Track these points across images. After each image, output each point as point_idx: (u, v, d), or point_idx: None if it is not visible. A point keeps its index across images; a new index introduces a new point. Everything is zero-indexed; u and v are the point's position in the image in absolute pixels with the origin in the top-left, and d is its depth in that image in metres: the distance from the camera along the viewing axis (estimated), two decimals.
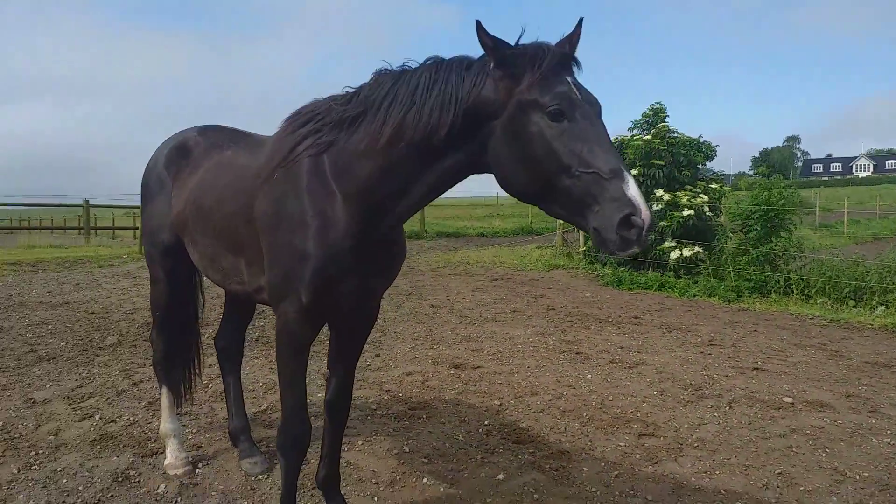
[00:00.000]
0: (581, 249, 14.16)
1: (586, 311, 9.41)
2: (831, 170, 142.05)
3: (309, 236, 2.66)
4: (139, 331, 7.62)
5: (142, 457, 4.18)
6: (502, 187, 2.46)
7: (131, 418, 4.83)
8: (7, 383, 5.59)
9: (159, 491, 3.74)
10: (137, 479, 3.88)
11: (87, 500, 3.61)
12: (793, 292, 10.74)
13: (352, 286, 2.76)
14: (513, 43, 2.32)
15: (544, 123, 2.22)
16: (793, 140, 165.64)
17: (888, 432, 4.82)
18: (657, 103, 13.33)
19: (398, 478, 3.94)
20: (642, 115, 13.43)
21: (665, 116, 13.33)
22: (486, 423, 4.86)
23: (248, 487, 3.80)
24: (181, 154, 3.66)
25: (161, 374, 4.06)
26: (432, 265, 14.55)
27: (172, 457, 3.97)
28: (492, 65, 2.32)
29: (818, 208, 32.70)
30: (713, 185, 13.02)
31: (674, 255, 12.20)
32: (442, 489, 3.81)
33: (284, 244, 2.73)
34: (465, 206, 40.33)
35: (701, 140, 13.21)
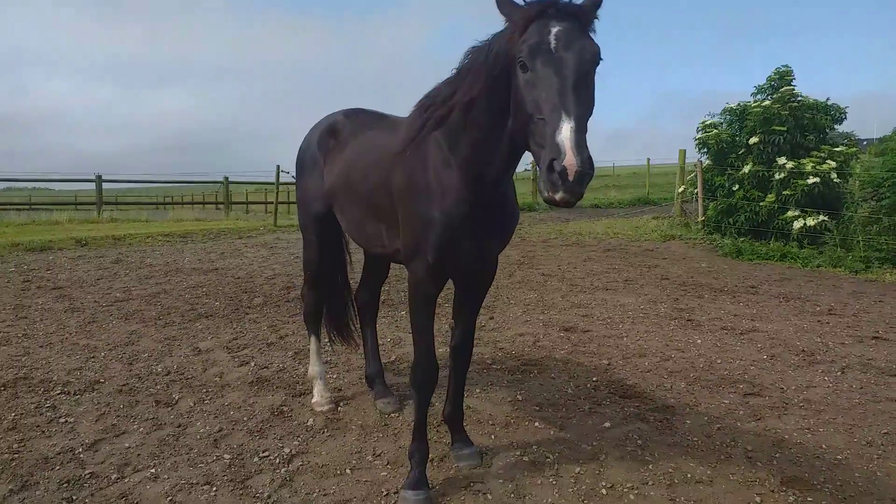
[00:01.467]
0: (700, 219, 13.91)
1: (701, 280, 9.42)
2: None
3: (433, 204, 3.09)
4: (281, 293, 8.52)
5: (292, 396, 4.87)
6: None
7: (281, 365, 5.57)
8: (176, 335, 6.53)
9: (308, 423, 4.39)
10: (290, 414, 4.56)
11: (251, 428, 4.32)
12: None
13: (470, 246, 3.19)
14: None
15: (519, 74, 2.44)
16: None
17: None
18: (784, 66, 12.76)
19: (512, 421, 4.40)
20: (767, 80, 12.93)
21: (791, 80, 12.75)
22: (594, 379, 5.21)
23: (383, 423, 4.38)
24: (331, 135, 4.19)
25: (311, 324, 4.70)
26: (544, 236, 14.82)
27: (319, 396, 4.64)
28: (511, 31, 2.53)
29: None
30: (838, 149, 12.35)
31: (797, 224, 11.79)
32: (552, 432, 4.23)
33: (414, 212, 3.17)
34: None
35: (829, 102, 12.55)
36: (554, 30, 2.38)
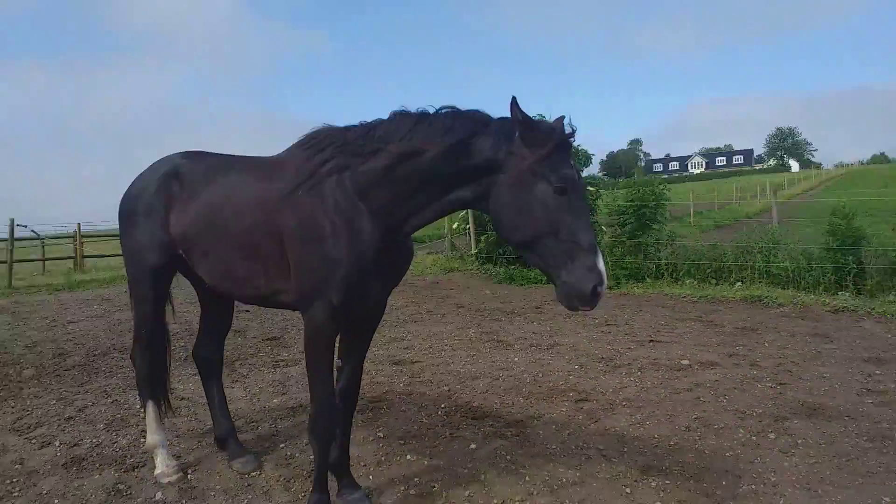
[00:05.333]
0: (473, 252, 14.95)
1: (492, 305, 10.14)
2: (670, 168, 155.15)
3: (341, 246, 3.08)
4: (54, 362, 7.35)
5: (124, 472, 4.27)
6: (496, 229, 3.06)
7: (94, 441, 4.84)
8: None
9: (157, 498, 3.90)
10: (130, 492, 3.99)
11: None
12: (664, 276, 12.09)
13: (374, 287, 3.23)
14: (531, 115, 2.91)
15: (548, 193, 2.74)
16: (636, 143, 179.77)
17: (768, 380, 5.83)
18: (539, 115, 14.37)
19: (383, 458, 4.34)
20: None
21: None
22: (442, 405, 5.35)
23: (246, 484, 4.05)
24: (174, 179, 3.82)
25: (146, 390, 4.17)
26: None
27: (164, 466, 4.12)
28: (517, 134, 2.81)
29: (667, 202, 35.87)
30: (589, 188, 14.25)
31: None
32: (426, 462, 4.26)
33: (315, 254, 3.12)
34: None
35: (580, 148, 14.43)
36: (573, 162, 2.86)
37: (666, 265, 12.19)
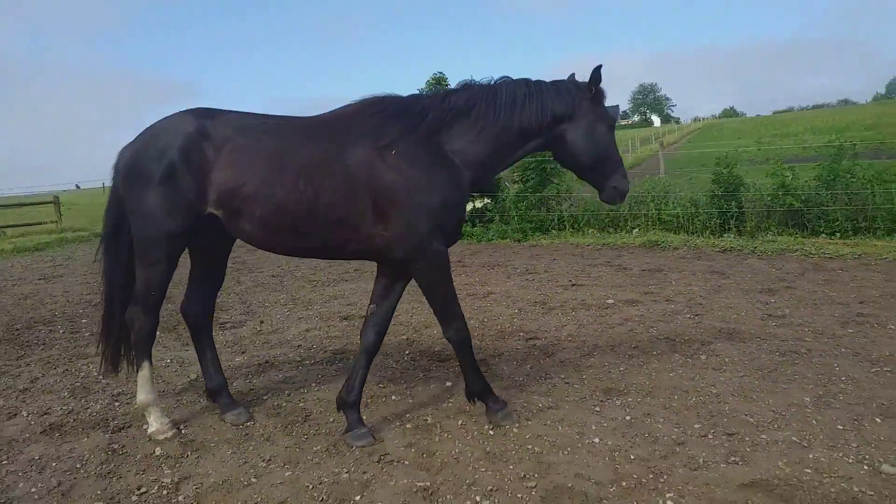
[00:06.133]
0: None
1: None
2: None
3: (452, 195, 3.84)
4: None
5: (113, 433, 4.31)
6: (562, 160, 4.19)
7: (65, 408, 4.78)
8: None
9: (158, 453, 3.99)
10: (127, 450, 4.05)
11: (97, 472, 3.75)
12: (566, 227, 12.92)
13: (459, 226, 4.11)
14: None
15: (606, 131, 4.01)
16: None
17: (685, 312, 6.61)
18: (438, 73, 14.61)
19: (369, 401, 4.63)
20: (426, 84, 14.62)
21: (447, 85, 14.66)
22: (406, 352, 5.69)
23: (244, 433, 4.22)
24: (206, 140, 3.86)
25: (143, 350, 4.18)
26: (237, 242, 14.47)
27: (158, 423, 4.20)
28: (591, 94, 3.96)
29: None
30: None
31: (468, 206, 13.76)
32: (410, 401, 4.61)
33: (430, 202, 3.74)
34: None
35: None
36: None
37: (568, 217, 13.01)
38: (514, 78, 4.03)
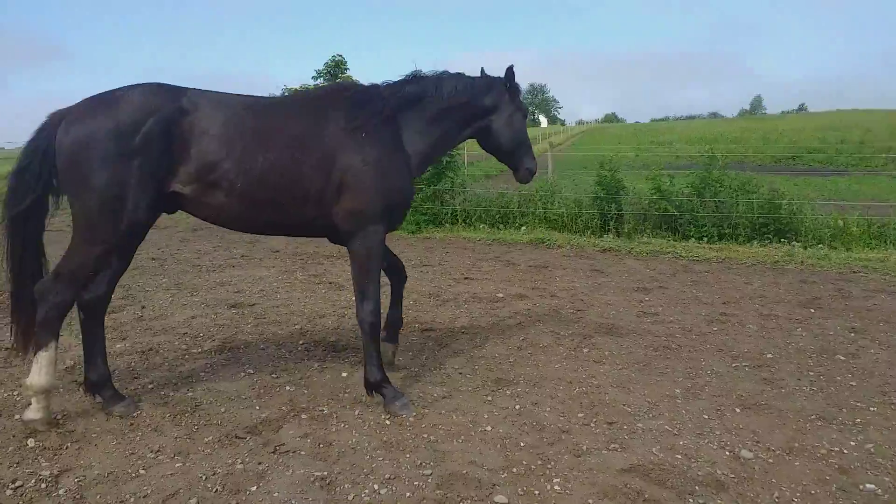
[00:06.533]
0: None
1: (307, 249, 10.33)
2: None
3: (404, 178, 4.27)
4: None
5: None
6: (487, 148, 4.79)
7: None
8: None
9: (31, 445, 3.73)
10: None
11: None
12: (458, 221, 13.18)
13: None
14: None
15: (523, 120, 4.72)
16: None
17: (568, 307, 6.97)
18: (337, 55, 14.42)
19: (262, 391, 4.56)
20: (324, 66, 14.40)
21: (346, 68, 14.53)
22: (300, 342, 5.64)
23: (129, 424, 4.03)
24: (182, 113, 3.81)
25: (53, 329, 3.85)
26: None
27: (43, 413, 3.89)
28: (507, 88, 4.59)
29: None
30: None
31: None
32: (305, 391, 4.58)
33: (386, 184, 4.11)
34: None
35: None
36: None
37: (461, 211, 13.28)
38: (451, 72, 4.56)
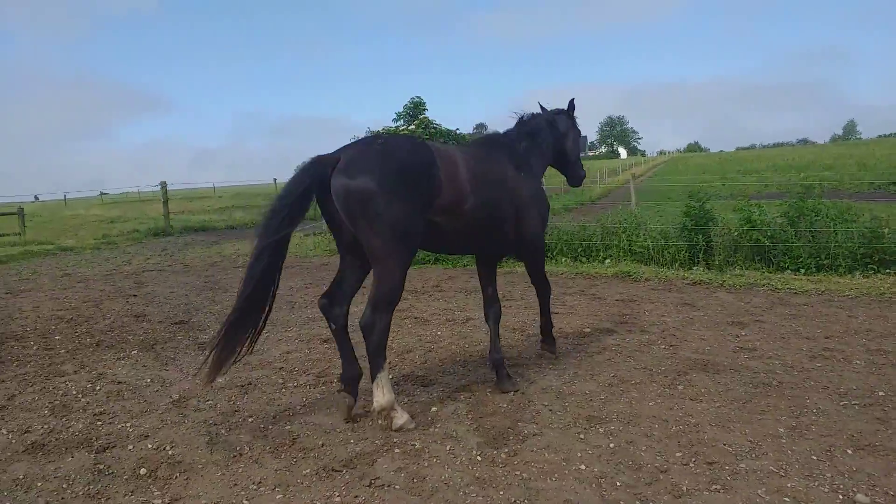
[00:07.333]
0: None
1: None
2: None
3: (546, 208, 5.64)
4: None
5: (96, 452, 4.27)
6: (555, 163, 6.19)
7: (45, 426, 4.72)
8: None
9: (143, 474, 3.97)
10: (111, 471, 4.02)
11: (85, 493, 3.73)
12: None
13: None
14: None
15: (579, 138, 6.11)
16: (481, 127, 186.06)
17: (660, 342, 6.79)
18: (416, 97, 14.84)
19: (355, 426, 4.67)
20: (404, 108, 14.85)
21: (424, 109, 14.91)
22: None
23: (231, 456, 4.21)
24: (439, 159, 4.64)
25: (383, 353, 4.57)
26: (207, 260, 14.35)
27: (405, 417, 4.61)
28: (569, 115, 6.19)
29: None
30: None
31: None
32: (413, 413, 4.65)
33: (541, 211, 5.52)
34: (182, 200, 38.33)
35: (458, 132, 15.09)
36: None
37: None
38: (541, 112, 6.09)
